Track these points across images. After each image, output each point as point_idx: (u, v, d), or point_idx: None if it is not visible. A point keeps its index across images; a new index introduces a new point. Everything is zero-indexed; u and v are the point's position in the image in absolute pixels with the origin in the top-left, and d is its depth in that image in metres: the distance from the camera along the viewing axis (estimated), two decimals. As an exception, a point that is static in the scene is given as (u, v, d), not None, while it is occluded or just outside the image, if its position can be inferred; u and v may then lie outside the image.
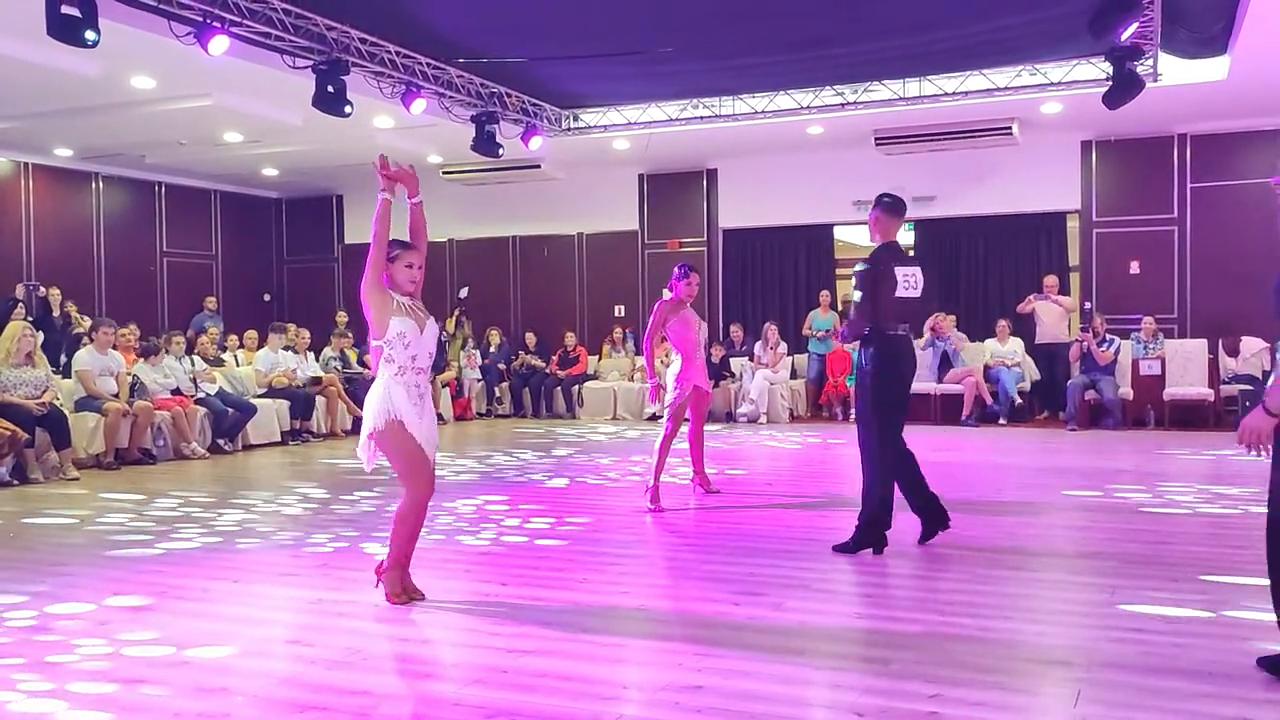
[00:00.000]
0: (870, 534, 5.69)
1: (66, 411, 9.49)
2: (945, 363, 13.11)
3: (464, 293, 16.02)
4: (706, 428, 8.04)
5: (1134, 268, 13.29)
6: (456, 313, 15.50)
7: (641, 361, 14.64)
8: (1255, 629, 4.25)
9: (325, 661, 4.02)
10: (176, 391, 10.72)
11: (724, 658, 3.98)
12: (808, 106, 12.03)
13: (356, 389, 12.46)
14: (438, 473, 5.00)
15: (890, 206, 5.76)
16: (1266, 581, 5.04)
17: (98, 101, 10.95)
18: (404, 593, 4.81)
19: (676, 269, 7.56)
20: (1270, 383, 3.46)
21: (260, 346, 12.86)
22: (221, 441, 10.92)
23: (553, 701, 3.53)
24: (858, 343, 5.77)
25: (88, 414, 9.68)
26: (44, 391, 9.21)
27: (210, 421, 10.87)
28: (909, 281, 5.65)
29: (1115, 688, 3.59)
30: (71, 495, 8.27)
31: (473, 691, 3.66)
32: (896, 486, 5.74)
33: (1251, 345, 12.55)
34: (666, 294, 7.71)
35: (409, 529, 4.80)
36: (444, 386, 14.00)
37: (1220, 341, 12.66)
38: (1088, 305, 13.22)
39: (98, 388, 9.86)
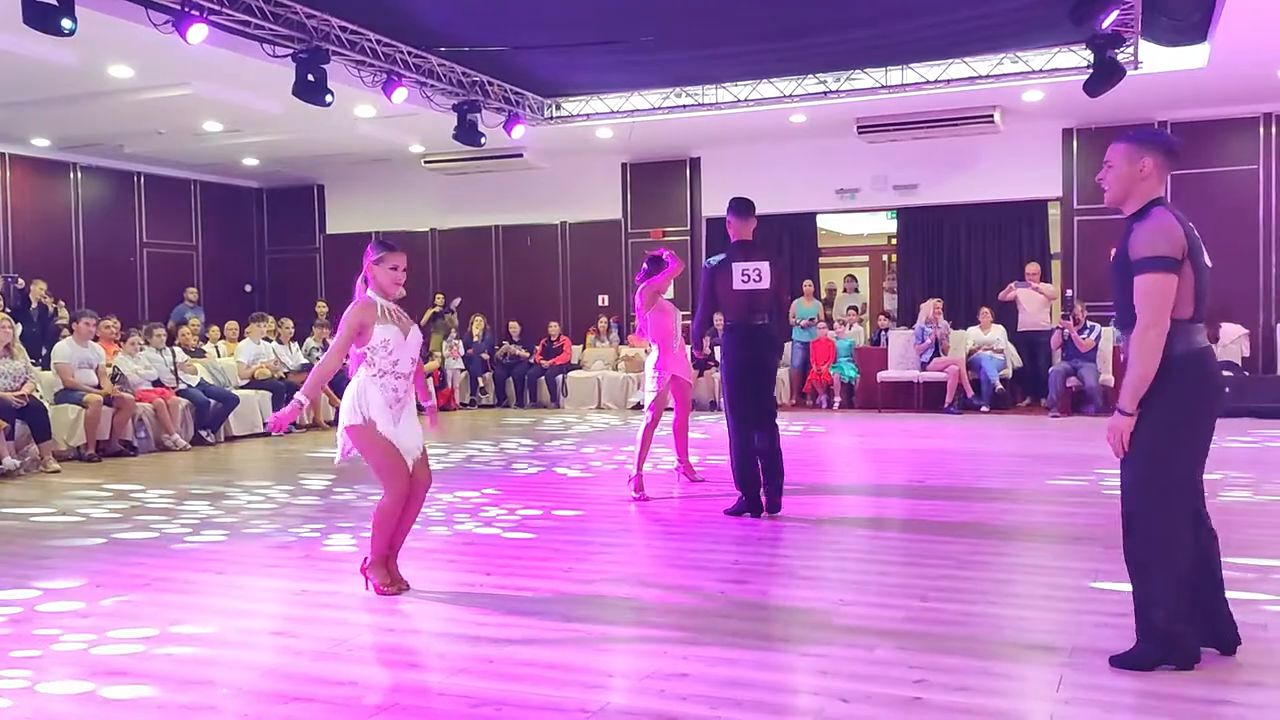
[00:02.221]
0: (746, 502, 6.38)
1: (46, 404, 9.42)
2: (939, 344, 13.13)
3: (456, 303, 15.81)
4: (691, 416, 8.04)
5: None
6: (435, 307, 15.30)
7: (626, 350, 14.64)
8: (1237, 613, 4.28)
9: (310, 652, 4.01)
10: (158, 383, 10.66)
11: (709, 645, 3.99)
12: (790, 95, 12.02)
13: (339, 380, 12.37)
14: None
15: (737, 209, 6.37)
16: (1250, 561, 5.11)
17: (75, 91, 10.84)
18: (393, 583, 4.79)
19: (646, 263, 7.48)
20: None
21: (241, 338, 12.79)
22: (204, 433, 10.86)
23: (538, 690, 3.54)
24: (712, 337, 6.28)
25: (68, 406, 9.61)
26: (23, 383, 9.14)
27: (192, 413, 10.81)
28: (749, 274, 6.15)
29: (1097, 671, 3.62)
30: (52, 487, 8.22)
31: (458, 681, 3.66)
32: (730, 457, 6.45)
33: (1231, 332, 12.64)
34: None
35: (388, 526, 4.74)
36: (427, 377, 13.92)
37: (1200, 328, 12.74)
38: (1069, 293, 13.27)
39: (76, 380, 9.79)
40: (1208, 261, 3.61)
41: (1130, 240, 3.60)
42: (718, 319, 6.78)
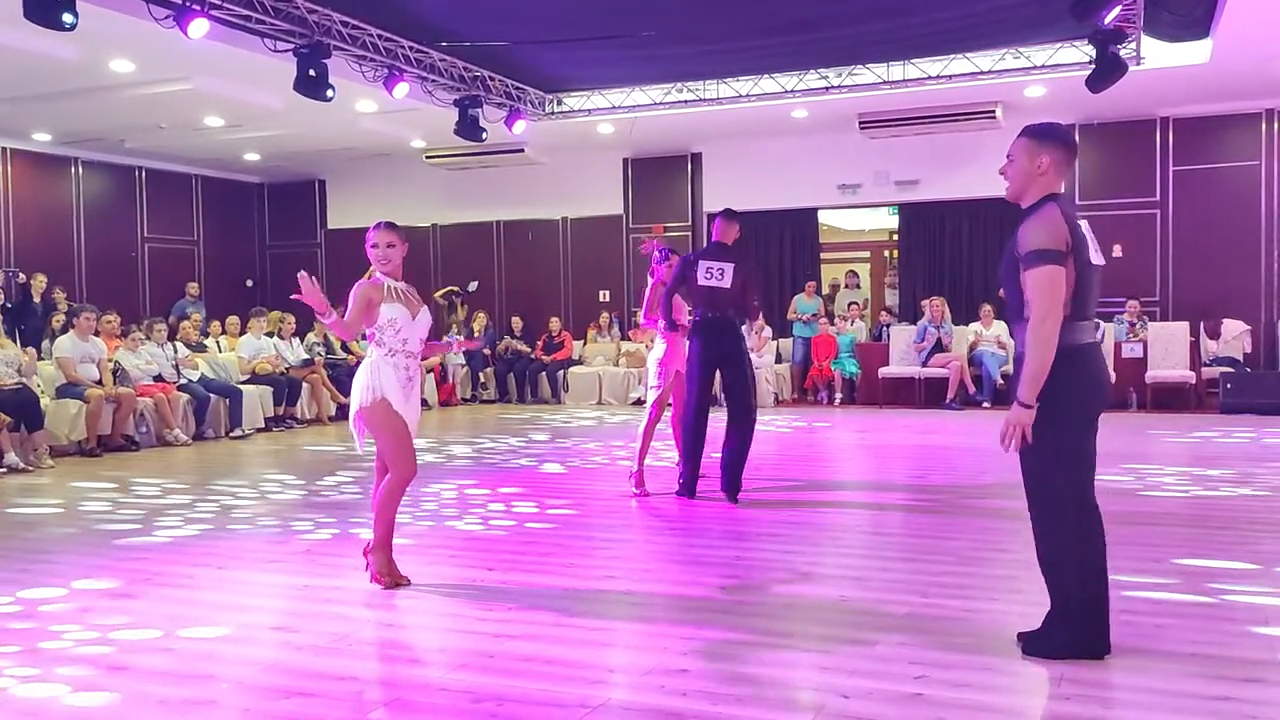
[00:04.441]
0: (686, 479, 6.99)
1: (47, 398, 9.42)
2: (939, 347, 13.14)
3: (473, 286, 15.85)
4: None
5: (1117, 251, 13.32)
6: (447, 291, 15.33)
7: (627, 346, 14.63)
8: (1238, 609, 4.29)
9: (311, 647, 4.01)
10: (159, 378, 10.67)
11: (710, 641, 3.99)
12: (792, 90, 12.00)
13: (339, 375, 12.42)
14: (420, 458, 4.98)
15: (724, 215, 7.04)
16: (1251, 565, 5.11)
17: (76, 85, 10.82)
18: (390, 574, 4.79)
19: (657, 253, 7.54)
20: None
21: (242, 333, 12.79)
22: (206, 429, 10.86)
23: (539, 686, 3.54)
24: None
25: (69, 400, 9.61)
26: (19, 369, 9.15)
27: (193, 408, 10.81)
28: (711, 272, 6.73)
29: (1099, 668, 3.62)
30: (54, 482, 8.22)
31: (459, 676, 3.66)
32: (680, 438, 7.09)
33: (1233, 328, 12.63)
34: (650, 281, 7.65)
35: (393, 507, 4.79)
36: (428, 372, 13.95)
37: (1202, 324, 12.73)
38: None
39: (78, 374, 9.80)
40: (1095, 259, 3.67)
41: (1018, 235, 3.66)
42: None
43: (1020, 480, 3.83)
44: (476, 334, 15.19)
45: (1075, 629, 3.66)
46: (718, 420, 7.00)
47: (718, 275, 6.74)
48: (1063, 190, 3.77)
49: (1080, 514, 3.67)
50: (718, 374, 6.99)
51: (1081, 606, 3.65)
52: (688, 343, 6.92)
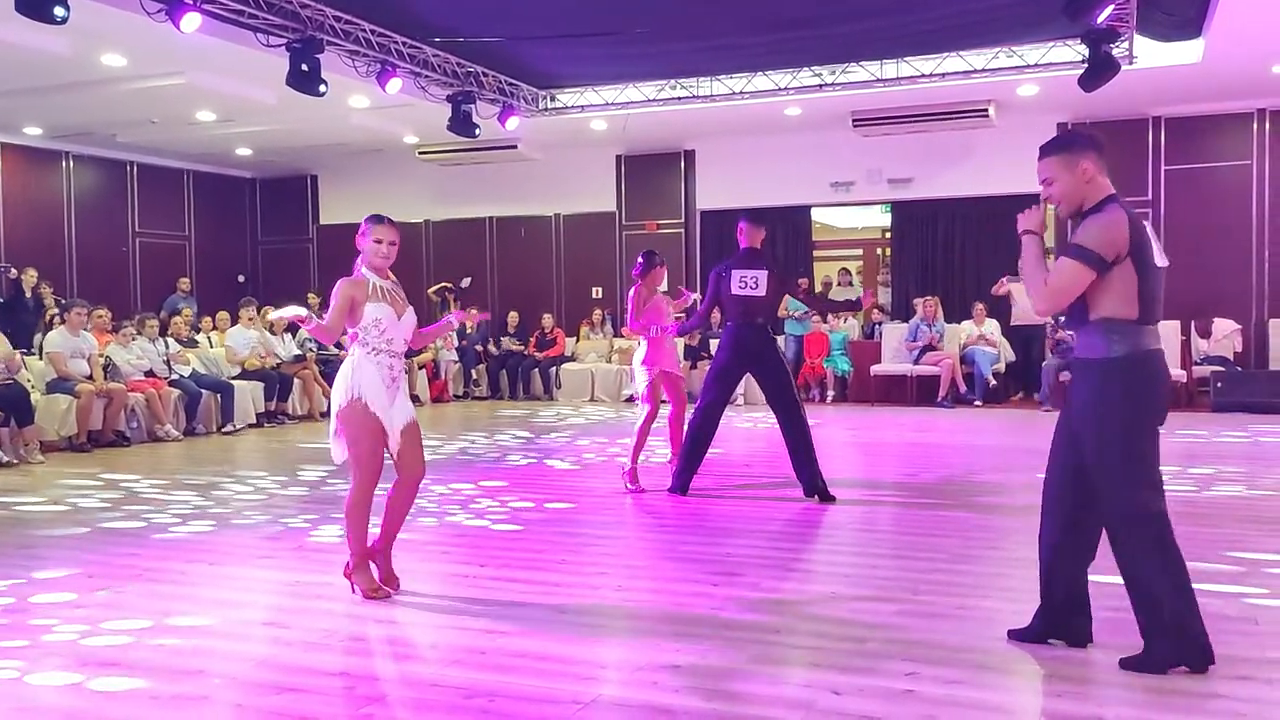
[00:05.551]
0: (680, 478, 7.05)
1: (38, 393, 9.39)
2: (930, 346, 13.17)
3: (466, 282, 15.85)
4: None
5: (1109, 250, 13.36)
6: (440, 288, 15.34)
7: (620, 343, 14.63)
8: (1229, 607, 4.30)
9: (302, 644, 4.00)
10: (150, 374, 10.64)
11: (701, 637, 3.99)
12: (785, 88, 12.00)
13: (331, 370, 12.36)
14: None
15: (751, 219, 7.05)
16: (1240, 555, 5.13)
17: (68, 79, 10.79)
18: (379, 588, 4.65)
19: (641, 257, 7.56)
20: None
21: (233, 324, 12.74)
22: (198, 424, 10.83)
23: (531, 682, 3.54)
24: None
25: (60, 396, 9.58)
26: (10, 365, 9.13)
27: (184, 403, 10.78)
28: (746, 281, 6.76)
29: (1090, 665, 3.63)
30: (43, 477, 8.20)
31: (451, 672, 3.66)
32: (685, 431, 7.17)
33: (1224, 327, 12.67)
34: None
35: (360, 519, 4.61)
36: (420, 369, 13.94)
37: (1193, 323, 12.77)
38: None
39: (69, 369, 9.77)
40: (1159, 261, 3.56)
41: (1079, 228, 3.61)
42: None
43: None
44: (470, 330, 15.17)
45: (1175, 638, 3.49)
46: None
47: (752, 284, 6.77)
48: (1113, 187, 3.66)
49: (1161, 522, 3.53)
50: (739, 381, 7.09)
51: (1174, 617, 3.48)
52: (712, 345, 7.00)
